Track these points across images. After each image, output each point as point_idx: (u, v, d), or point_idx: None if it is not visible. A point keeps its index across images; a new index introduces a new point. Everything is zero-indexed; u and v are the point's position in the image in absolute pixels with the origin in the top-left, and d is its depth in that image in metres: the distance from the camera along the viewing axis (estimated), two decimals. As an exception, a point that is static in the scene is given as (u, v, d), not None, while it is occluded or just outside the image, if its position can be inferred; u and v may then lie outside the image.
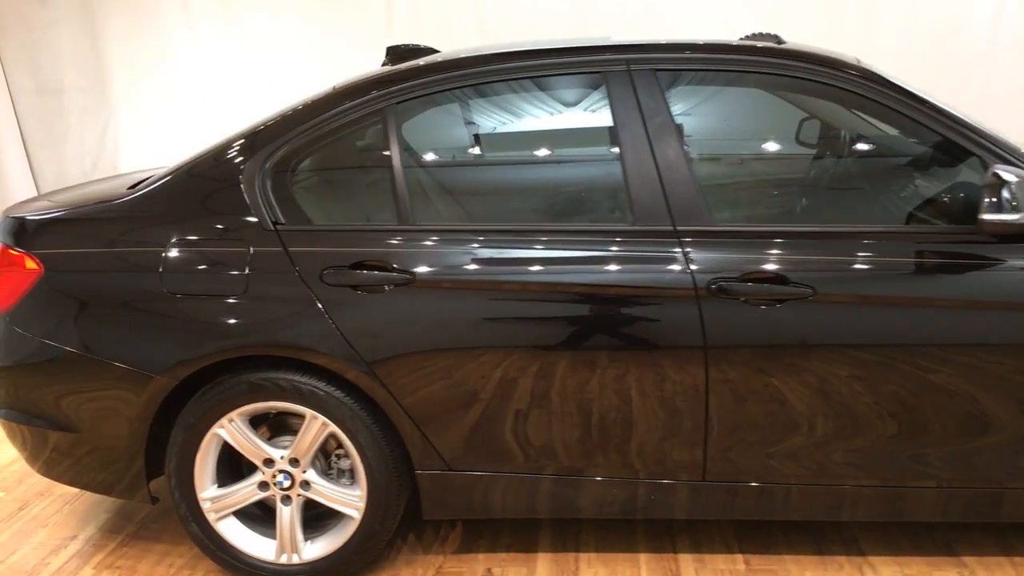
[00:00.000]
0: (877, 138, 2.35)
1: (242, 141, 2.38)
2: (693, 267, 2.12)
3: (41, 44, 6.58)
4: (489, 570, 2.47)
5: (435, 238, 2.23)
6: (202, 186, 2.37)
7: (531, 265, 2.19)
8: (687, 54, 2.26)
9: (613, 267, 2.17)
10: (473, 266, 2.20)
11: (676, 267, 2.13)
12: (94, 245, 2.35)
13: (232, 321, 2.24)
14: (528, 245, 2.20)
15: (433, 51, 2.85)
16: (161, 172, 2.53)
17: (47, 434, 2.43)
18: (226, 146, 2.40)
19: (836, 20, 5.80)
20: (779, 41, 2.43)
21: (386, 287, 2.20)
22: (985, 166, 2.07)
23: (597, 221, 2.29)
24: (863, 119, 2.30)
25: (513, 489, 2.33)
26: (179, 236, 2.30)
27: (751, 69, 2.24)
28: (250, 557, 2.42)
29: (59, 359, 2.34)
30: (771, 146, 2.58)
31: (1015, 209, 1.93)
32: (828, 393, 2.12)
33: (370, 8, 6.34)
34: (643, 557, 2.49)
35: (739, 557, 2.47)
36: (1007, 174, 1.95)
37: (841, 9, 5.83)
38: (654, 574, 2.41)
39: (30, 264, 2.36)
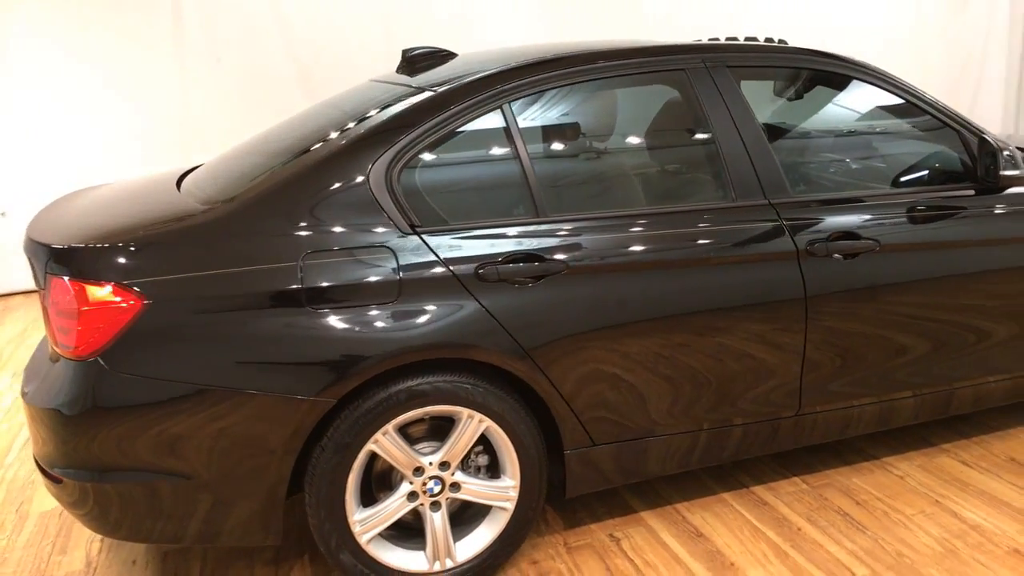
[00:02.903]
0: (884, 120, 2.94)
1: (354, 144, 2.29)
2: (793, 232, 2.51)
3: None
4: (611, 535, 2.64)
5: (574, 227, 2.36)
6: (319, 193, 2.24)
7: (663, 244, 2.42)
8: (748, 52, 2.64)
9: (731, 238, 2.47)
10: (614, 249, 2.37)
11: (779, 233, 2.50)
12: (208, 267, 2.11)
13: (393, 328, 2.17)
14: (656, 226, 2.43)
15: (451, 54, 2.91)
16: (246, 181, 2.34)
17: (153, 486, 2.13)
18: (334, 149, 2.29)
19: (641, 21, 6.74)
20: (784, 42, 2.90)
21: (542, 277, 2.29)
22: (961, 139, 2.74)
23: (706, 200, 2.56)
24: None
25: (649, 452, 2.53)
26: (313, 247, 2.17)
27: (794, 64, 2.69)
28: (407, 574, 2.34)
29: (180, 398, 2.08)
30: (819, 125, 3.06)
31: (1015, 167, 2.61)
32: (892, 324, 2.64)
33: (157, 12, 5.84)
34: (727, 496, 2.83)
35: (797, 479, 2.91)
36: (1001, 142, 2.61)
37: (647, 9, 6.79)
38: (747, 507, 2.76)
39: (126, 297, 2.06)
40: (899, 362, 2.73)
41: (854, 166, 3.00)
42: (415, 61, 2.93)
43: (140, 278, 2.08)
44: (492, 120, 2.38)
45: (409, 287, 2.20)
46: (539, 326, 2.29)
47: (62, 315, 2.10)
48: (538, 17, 6.73)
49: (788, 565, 2.44)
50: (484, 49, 3.06)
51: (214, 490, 2.16)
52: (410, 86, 2.58)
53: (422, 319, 2.20)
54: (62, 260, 2.11)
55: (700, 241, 2.45)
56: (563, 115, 2.61)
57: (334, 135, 2.38)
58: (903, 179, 2.79)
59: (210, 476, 2.15)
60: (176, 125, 6.07)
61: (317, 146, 2.35)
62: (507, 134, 2.38)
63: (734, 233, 2.48)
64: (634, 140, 2.82)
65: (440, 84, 2.47)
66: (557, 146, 2.67)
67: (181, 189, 2.57)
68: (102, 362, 2.05)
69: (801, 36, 6.96)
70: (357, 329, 2.16)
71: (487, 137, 2.41)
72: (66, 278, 2.09)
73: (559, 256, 2.31)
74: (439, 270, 2.22)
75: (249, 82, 6.15)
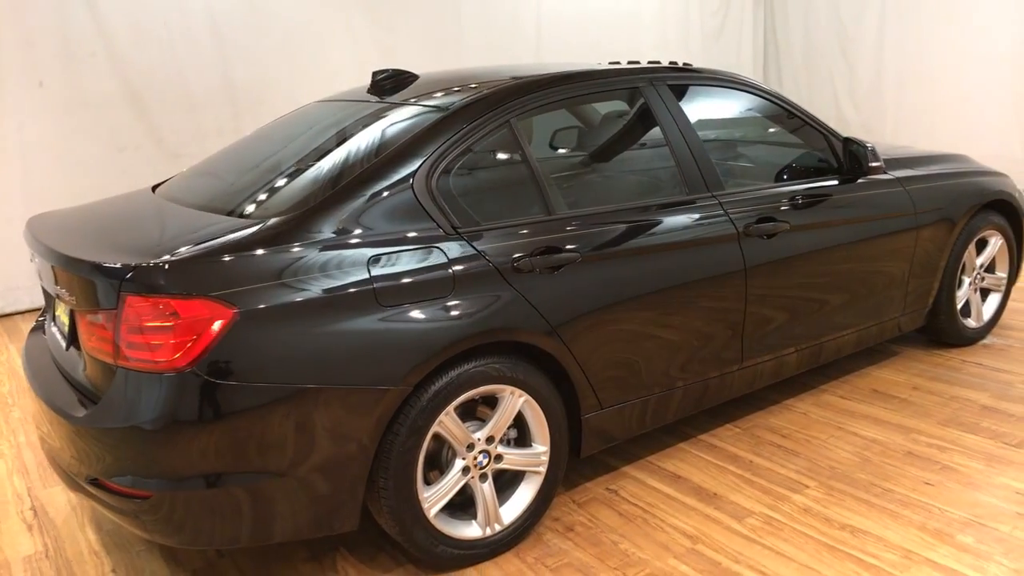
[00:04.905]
0: (777, 127, 3.60)
1: (396, 156, 2.53)
2: (733, 219, 3.08)
3: None
4: (608, 488, 3.05)
5: (579, 221, 2.75)
6: (372, 202, 2.45)
7: (647, 231, 2.88)
8: (677, 73, 3.19)
9: (693, 225, 2.99)
10: (610, 238, 2.79)
11: (724, 220, 3.06)
12: (286, 275, 2.25)
13: (455, 317, 2.43)
14: (637, 218, 2.88)
15: (413, 75, 3.19)
16: (296, 191, 2.52)
17: (247, 488, 2.23)
18: (377, 163, 2.51)
19: (435, 24, 7.20)
20: (688, 65, 3.49)
21: (562, 266, 2.66)
22: (827, 140, 3.50)
23: (671, 195, 3.04)
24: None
25: (639, 410, 2.97)
26: (377, 251, 2.38)
27: (712, 83, 3.29)
28: (467, 541, 2.59)
29: (274, 400, 2.20)
30: (736, 131, 3.64)
31: (877, 159, 3.39)
32: (796, 289, 3.30)
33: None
34: (683, 445, 3.34)
35: (729, 425, 3.50)
36: (863, 141, 3.38)
37: (439, 15, 7.30)
38: (702, 451, 3.29)
39: (214, 308, 2.16)
40: (794, 321, 3.39)
41: (755, 164, 3.66)
42: (384, 82, 3.16)
43: (226, 289, 2.18)
44: (503, 132, 2.72)
45: (461, 281, 2.47)
46: (562, 308, 2.65)
47: (144, 331, 2.14)
48: (371, 41, 6.98)
49: (757, 488, 3.00)
50: (441, 70, 3.36)
51: (305, 484, 2.29)
52: (390, 102, 2.90)
53: (476, 308, 2.48)
54: (144, 277, 2.14)
55: (671, 228, 2.94)
56: (554, 127, 3.00)
57: (349, 149, 2.64)
58: (790, 173, 3.48)
59: (302, 471, 2.27)
60: (-8, 154, 5.60)
61: (354, 160, 2.56)
62: (517, 143, 2.73)
63: (694, 221, 3.01)
64: (611, 146, 3.27)
65: (418, 101, 2.84)
66: (553, 153, 3.05)
67: (185, 205, 2.68)
68: (198, 372, 2.13)
69: (577, 58, 7.86)
70: (426, 321, 2.39)
71: (500, 147, 2.74)
72: (152, 294, 2.13)
73: (572, 247, 2.69)
74: (483, 264, 2.52)
75: (75, 106, 5.82)
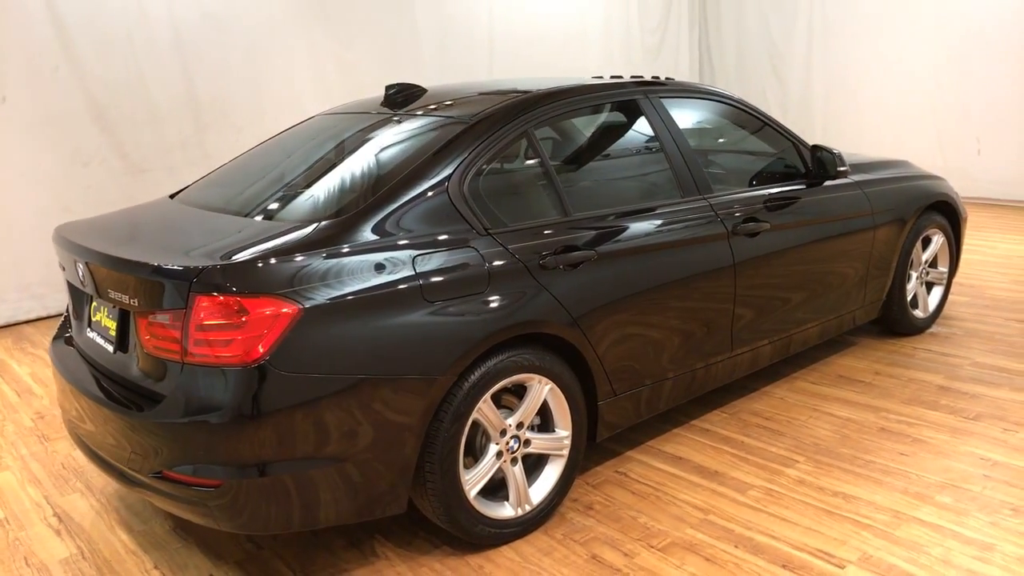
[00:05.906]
0: (751, 133, 3.91)
1: (430, 163, 2.71)
2: (722, 218, 3.36)
3: None
4: (617, 471, 3.27)
5: (592, 222, 2.98)
6: (411, 206, 2.63)
7: (650, 231, 3.13)
8: (669, 87, 3.47)
9: (690, 225, 3.26)
10: (624, 237, 3.03)
11: (715, 221, 3.34)
12: (342, 275, 2.41)
13: (493, 311, 2.63)
14: (643, 219, 3.13)
15: (422, 89, 3.39)
16: (338, 197, 2.69)
17: (308, 474, 2.38)
18: (416, 168, 2.69)
19: (392, 41, 7.37)
20: (671, 79, 3.77)
21: (580, 263, 2.88)
22: (796, 147, 3.83)
23: (669, 198, 3.30)
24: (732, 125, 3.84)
25: (647, 396, 3.21)
26: (419, 251, 2.56)
27: (696, 97, 3.58)
28: (502, 520, 2.78)
29: (337, 390, 2.36)
30: (718, 139, 3.92)
31: (844, 164, 3.73)
32: (775, 284, 3.60)
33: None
34: (678, 430, 3.60)
35: (717, 411, 3.77)
36: (830, 148, 3.72)
37: (396, 32, 7.49)
38: (697, 435, 3.55)
39: (280, 305, 2.31)
40: (771, 315, 3.69)
41: (735, 169, 3.97)
42: (396, 96, 3.34)
43: (289, 287, 2.33)
44: (523, 140, 2.93)
45: (495, 278, 2.67)
46: (582, 301, 2.88)
47: (214, 329, 2.27)
48: (330, 56, 7.10)
49: (752, 464, 3.27)
50: (445, 83, 3.56)
51: (361, 470, 2.44)
52: (407, 114, 3.11)
53: (510, 302, 2.68)
54: (212, 278, 2.28)
55: (671, 228, 3.20)
56: (565, 135, 3.23)
57: (384, 157, 2.83)
58: (765, 178, 3.79)
59: (359, 457, 2.43)
60: (-45, 170, 5.51)
61: (391, 168, 2.74)
62: (535, 150, 2.95)
63: (691, 221, 3.27)
64: (614, 153, 3.51)
65: (436, 112, 3.07)
66: (568, 158, 3.28)
67: (221, 211, 2.82)
68: (266, 366, 2.27)
69: (528, 73, 8.16)
70: (467, 314, 2.58)
71: (520, 153, 2.96)
72: (221, 294, 2.27)
73: (589, 245, 2.92)
74: (512, 262, 2.72)
75: (39, 121, 5.77)
